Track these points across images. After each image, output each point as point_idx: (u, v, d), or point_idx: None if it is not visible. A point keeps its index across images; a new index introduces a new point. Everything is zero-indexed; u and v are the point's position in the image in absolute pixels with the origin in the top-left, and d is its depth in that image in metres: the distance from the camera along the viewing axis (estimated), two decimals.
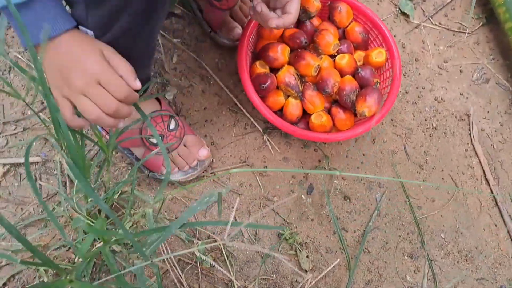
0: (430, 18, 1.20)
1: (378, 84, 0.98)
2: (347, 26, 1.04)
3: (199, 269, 0.90)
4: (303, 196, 1.01)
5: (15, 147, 0.93)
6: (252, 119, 1.05)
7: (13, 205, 0.89)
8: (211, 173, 1.00)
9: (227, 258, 0.92)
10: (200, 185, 0.99)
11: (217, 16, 1.06)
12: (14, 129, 0.95)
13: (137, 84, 0.65)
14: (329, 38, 0.97)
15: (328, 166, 1.04)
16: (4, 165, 0.92)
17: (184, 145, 0.96)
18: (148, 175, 0.97)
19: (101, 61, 0.63)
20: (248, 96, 0.93)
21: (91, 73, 0.62)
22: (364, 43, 1.05)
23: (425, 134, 1.11)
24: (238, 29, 1.07)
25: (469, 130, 1.13)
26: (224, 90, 1.06)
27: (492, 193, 1.08)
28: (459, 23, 1.21)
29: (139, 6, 0.62)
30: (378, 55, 1.00)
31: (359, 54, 1.05)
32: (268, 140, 1.05)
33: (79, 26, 0.65)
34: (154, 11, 0.66)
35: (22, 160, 0.94)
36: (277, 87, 0.98)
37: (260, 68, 0.99)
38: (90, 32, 0.66)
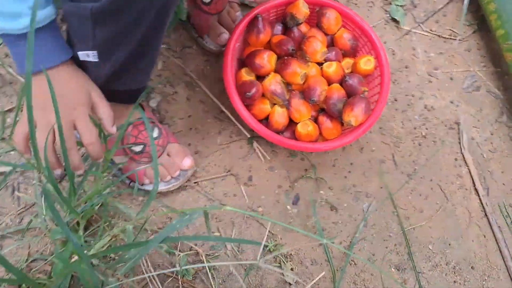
0: (421, 24, 1.18)
1: (366, 92, 0.96)
2: (335, 33, 1.02)
3: (179, 282, 0.87)
4: (288, 206, 0.99)
5: None
6: (239, 126, 1.03)
7: None
8: (195, 182, 0.98)
9: (209, 271, 0.90)
10: (183, 195, 0.97)
11: (205, 21, 1.04)
12: None
13: (113, 130, 0.70)
14: (316, 45, 0.95)
15: (315, 176, 1.02)
16: None
17: (168, 154, 0.94)
18: (129, 184, 0.95)
19: (83, 106, 0.66)
20: (233, 104, 0.91)
21: (69, 119, 0.65)
22: (352, 50, 1.02)
23: (414, 143, 1.09)
24: (226, 35, 1.05)
25: (459, 139, 1.11)
26: (210, 97, 1.04)
27: (482, 203, 1.06)
28: (450, 29, 1.19)
29: (152, 17, 0.62)
30: (366, 63, 0.98)
31: (348, 62, 1.03)
32: (257, 147, 1.03)
33: (78, 52, 0.65)
34: (165, 21, 0.66)
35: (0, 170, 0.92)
36: (263, 95, 0.96)
37: (246, 76, 0.97)
38: (92, 54, 0.65)
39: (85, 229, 0.82)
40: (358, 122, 0.91)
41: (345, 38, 1.01)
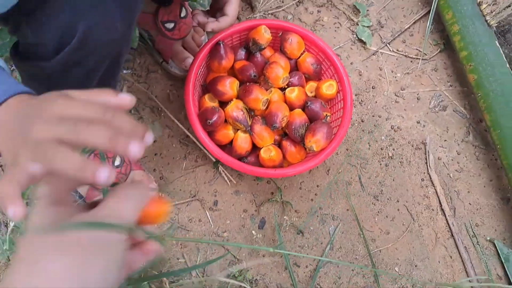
0: (387, 44, 1.19)
1: (328, 117, 0.97)
2: (299, 57, 1.03)
3: None
4: (253, 231, 1.00)
5: None
6: (204, 151, 1.03)
7: None
8: None
9: None
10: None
11: (169, 46, 1.04)
12: None
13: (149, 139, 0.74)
14: (278, 71, 0.95)
15: (281, 199, 1.03)
16: None
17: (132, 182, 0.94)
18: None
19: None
20: (195, 132, 0.91)
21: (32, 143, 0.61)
22: (316, 74, 1.03)
23: (380, 164, 1.10)
24: (190, 59, 1.05)
25: (426, 159, 1.12)
26: (175, 122, 1.04)
27: (448, 223, 1.07)
28: (417, 49, 1.20)
29: (107, 64, 0.63)
30: (328, 88, 0.99)
31: (312, 85, 1.03)
32: (223, 171, 1.03)
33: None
34: (120, 62, 0.67)
35: None
36: (226, 121, 0.96)
37: (209, 102, 0.97)
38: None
39: None
40: (319, 147, 0.91)
41: (308, 62, 1.02)
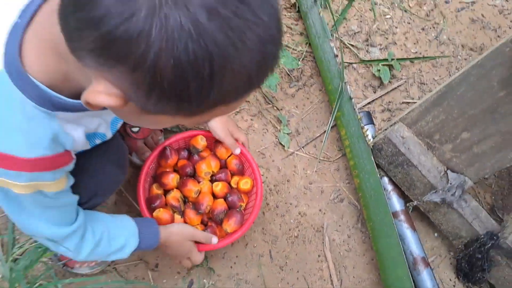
0: (302, 148, 1.56)
1: (242, 207, 1.31)
2: (226, 159, 1.39)
3: None
4: None
5: None
6: None
7: None
8: (113, 268, 1.30)
9: None
10: (103, 277, 1.28)
11: (134, 143, 1.40)
12: None
13: (214, 241, 1.25)
14: (203, 167, 1.31)
15: (207, 265, 1.35)
16: None
17: None
18: (63, 266, 1.26)
19: (187, 247, 1.19)
20: (141, 212, 1.25)
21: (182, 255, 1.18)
22: (239, 171, 1.38)
23: (287, 241, 1.44)
24: (148, 153, 1.41)
25: (323, 239, 1.46)
26: (133, 203, 1.38)
27: None
28: (325, 153, 1.58)
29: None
30: (245, 184, 1.34)
31: (235, 179, 1.38)
32: None
33: None
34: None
35: None
36: (167, 204, 1.31)
37: (156, 190, 1.32)
38: None
39: None
40: (232, 229, 1.25)
41: (233, 163, 1.37)
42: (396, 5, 1.85)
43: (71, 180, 0.85)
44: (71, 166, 0.81)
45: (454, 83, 1.26)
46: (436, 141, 1.36)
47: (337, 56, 1.52)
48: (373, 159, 1.41)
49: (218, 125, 1.29)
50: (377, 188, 1.36)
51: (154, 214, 1.26)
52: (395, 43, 1.79)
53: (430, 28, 1.86)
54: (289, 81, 1.63)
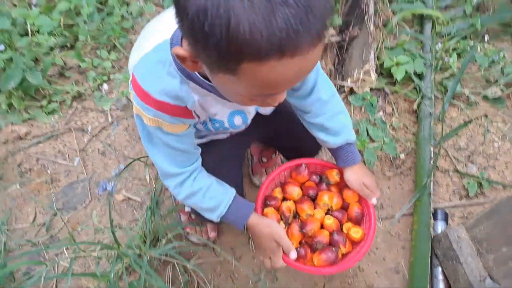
0: (380, 220, 1.46)
1: (340, 251, 1.30)
2: (350, 203, 1.40)
3: None
4: None
5: None
6: None
7: None
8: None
9: None
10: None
11: (259, 168, 1.69)
12: None
13: (292, 255, 1.24)
14: (324, 198, 1.35)
15: (275, 272, 1.38)
16: None
17: None
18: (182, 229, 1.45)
19: (271, 246, 1.22)
20: (256, 202, 1.35)
21: (265, 252, 1.25)
22: (356, 220, 1.37)
23: None
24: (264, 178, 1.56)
25: None
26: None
27: None
28: (398, 230, 1.44)
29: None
30: (355, 233, 1.32)
31: (348, 225, 1.37)
32: None
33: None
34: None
35: None
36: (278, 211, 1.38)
37: (277, 193, 1.41)
38: None
39: None
40: (319, 263, 1.25)
41: (354, 210, 1.37)
42: (507, 138, 1.93)
43: (190, 135, 1.07)
44: (188, 121, 1.01)
45: (502, 204, 1.38)
46: (484, 248, 1.45)
47: (431, 159, 1.79)
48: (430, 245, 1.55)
49: (353, 176, 1.33)
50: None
51: (265, 209, 1.35)
52: (495, 167, 1.85)
53: None
54: (390, 166, 1.85)
